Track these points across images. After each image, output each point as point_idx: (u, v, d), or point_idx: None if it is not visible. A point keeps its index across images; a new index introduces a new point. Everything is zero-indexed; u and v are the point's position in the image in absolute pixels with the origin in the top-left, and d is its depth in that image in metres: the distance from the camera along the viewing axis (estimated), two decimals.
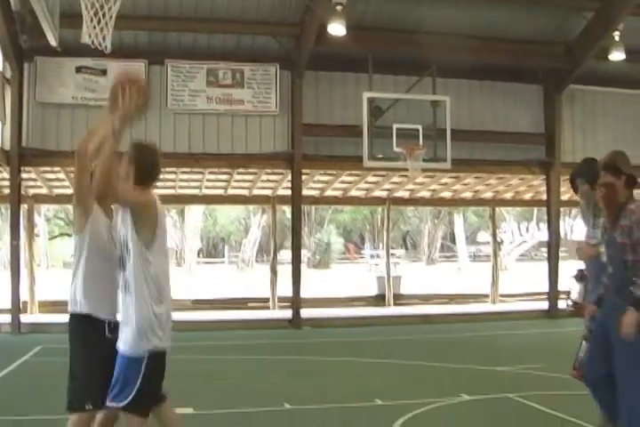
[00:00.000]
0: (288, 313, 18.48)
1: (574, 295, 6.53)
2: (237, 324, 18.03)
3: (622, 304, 5.50)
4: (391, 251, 27.39)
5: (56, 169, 18.19)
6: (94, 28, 10.56)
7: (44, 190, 20.24)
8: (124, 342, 5.03)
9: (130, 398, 4.91)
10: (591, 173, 6.63)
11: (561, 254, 21.50)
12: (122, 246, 5.20)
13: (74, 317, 5.37)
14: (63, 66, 17.08)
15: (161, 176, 5.47)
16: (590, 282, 6.58)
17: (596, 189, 6.22)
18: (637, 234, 5.49)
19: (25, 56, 16.96)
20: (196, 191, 21.77)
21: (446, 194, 23.51)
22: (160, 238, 5.19)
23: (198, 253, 59.98)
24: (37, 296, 19.94)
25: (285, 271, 19.87)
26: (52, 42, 14.29)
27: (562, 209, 22.71)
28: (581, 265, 6.82)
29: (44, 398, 8.68)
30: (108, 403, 4.98)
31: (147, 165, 5.29)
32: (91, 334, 5.31)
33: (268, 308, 21.00)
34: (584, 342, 6.07)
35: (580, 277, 6.58)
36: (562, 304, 6.26)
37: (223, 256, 68.26)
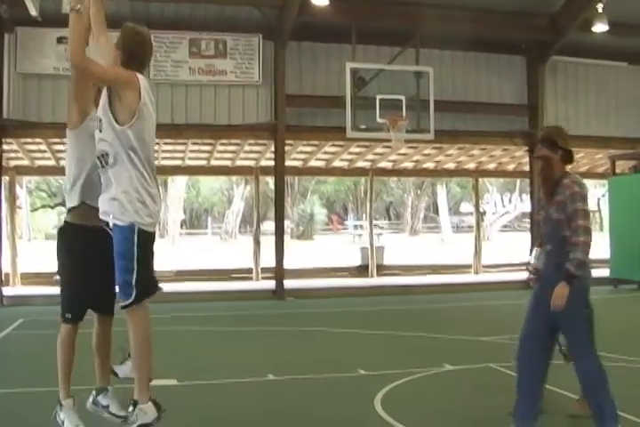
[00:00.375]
0: (271, 284, 18.53)
1: (533, 261, 6.52)
2: (221, 295, 18.07)
3: (561, 279, 5.55)
4: (374, 222, 27.46)
5: (37, 140, 18.10)
6: None
7: (25, 162, 20.14)
8: (113, 216, 5.04)
9: (134, 291, 4.95)
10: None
11: None
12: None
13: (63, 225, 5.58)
14: (44, 36, 16.91)
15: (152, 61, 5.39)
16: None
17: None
18: (571, 208, 5.49)
19: (5, 26, 16.80)
20: (178, 162, 21.71)
21: (429, 165, 23.54)
22: (142, 118, 5.25)
23: (181, 225, 59.89)
24: (20, 268, 19.91)
25: (269, 242, 19.89)
26: (33, 12, 14.19)
27: None
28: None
29: (27, 370, 8.70)
30: (120, 304, 5.04)
31: (130, 47, 5.42)
32: (76, 241, 5.50)
33: (251, 279, 21.06)
34: None
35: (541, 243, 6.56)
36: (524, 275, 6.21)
37: (206, 227, 68.19)
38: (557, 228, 5.65)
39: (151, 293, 5.13)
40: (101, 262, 5.31)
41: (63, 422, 5.42)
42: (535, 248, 6.48)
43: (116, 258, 5.04)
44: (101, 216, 5.16)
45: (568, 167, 5.80)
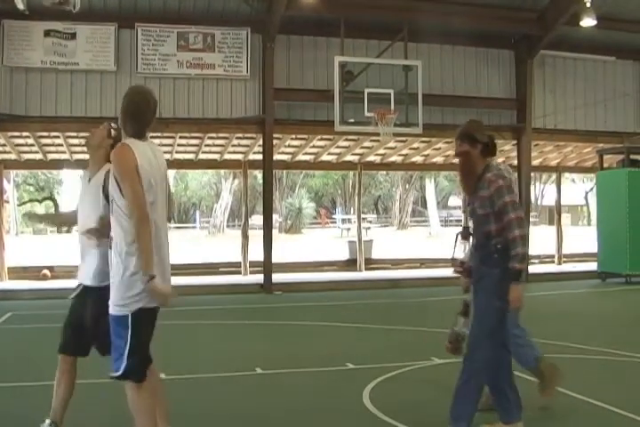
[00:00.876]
0: (259, 278, 18.52)
1: (459, 255, 6.52)
2: (209, 289, 18.05)
3: (488, 272, 5.57)
4: (362, 216, 27.50)
5: (25, 134, 18.05)
6: None
7: (12, 156, 20.07)
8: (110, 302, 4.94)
9: (123, 365, 4.86)
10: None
11: (532, 219, 21.65)
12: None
13: None
14: (31, 29, 16.84)
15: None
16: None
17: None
18: (499, 203, 5.44)
19: None
20: (166, 156, 21.46)
21: (418, 159, 23.57)
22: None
23: (169, 219, 59.75)
24: (7, 263, 19.85)
25: (257, 236, 19.87)
26: (20, 5, 14.14)
27: (532, 174, 22.79)
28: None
29: (15, 365, 8.68)
30: (110, 374, 4.96)
31: (132, 110, 5.11)
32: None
33: (239, 273, 21.04)
34: (459, 317, 6.10)
35: (465, 235, 6.56)
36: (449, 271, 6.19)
37: (194, 221, 68.16)
38: (482, 222, 5.63)
39: None
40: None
41: None
42: (463, 242, 6.44)
43: None
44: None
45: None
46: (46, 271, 20.17)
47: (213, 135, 19.20)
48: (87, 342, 5.61)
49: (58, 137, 18.45)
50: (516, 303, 5.44)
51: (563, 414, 6.55)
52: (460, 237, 6.42)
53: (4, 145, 19.03)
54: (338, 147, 21.22)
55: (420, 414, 6.48)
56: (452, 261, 6.53)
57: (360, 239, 23.00)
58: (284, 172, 48.59)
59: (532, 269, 20.96)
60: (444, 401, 7.00)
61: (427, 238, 48.62)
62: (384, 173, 50.83)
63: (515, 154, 21.29)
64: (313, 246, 34.94)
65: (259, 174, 28.64)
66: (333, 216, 68.57)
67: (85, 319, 5.52)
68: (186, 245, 37.69)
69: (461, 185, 6.11)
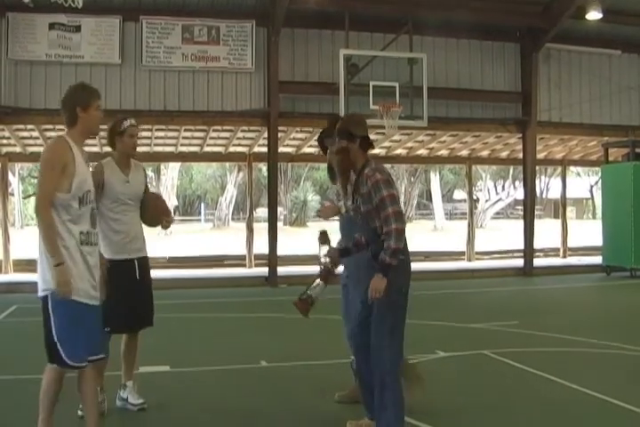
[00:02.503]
0: (264, 271, 18.54)
1: (323, 258, 6.57)
2: (214, 282, 18.08)
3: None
4: None
5: (30, 127, 18.05)
6: None
7: (17, 149, 20.08)
8: None
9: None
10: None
11: (537, 213, 21.64)
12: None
13: None
14: (36, 22, 16.82)
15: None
16: (341, 240, 6.77)
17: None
18: (378, 197, 5.37)
19: None
20: (171, 149, 21.68)
21: (422, 152, 23.55)
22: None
23: (174, 212, 59.86)
24: (12, 255, 19.89)
25: (262, 229, 19.88)
26: None
27: (538, 167, 22.78)
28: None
29: (20, 358, 8.70)
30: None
31: (66, 103, 5.55)
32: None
33: (244, 266, 21.06)
34: (318, 280, 6.14)
35: (324, 239, 6.60)
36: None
37: (199, 214, 68.19)
38: (368, 219, 5.57)
39: None
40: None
41: (127, 399, 6.53)
42: (324, 245, 6.49)
43: None
44: None
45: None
46: None
47: (218, 128, 19.18)
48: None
49: (62, 130, 18.40)
50: (374, 294, 5.36)
51: (576, 410, 6.55)
52: (319, 241, 6.50)
53: (8, 138, 19.04)
54: None
55: (424, 407, 6.48)
56: (318, 264, 6.61)
57: None
58: (289, 164, 48.45)
59: (537, 262, 21.00)
60: (449, 394, 7.02)
61: (431, 232, 48.63)
62: (389, 165, 50.68)
63: (520, 147, 21.28)
64: (316, 240, 34.87)
65: (263, 167, 28.63)
66: None
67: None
68: (191, 238, 37.78)
69: (340, 182, 6.07)
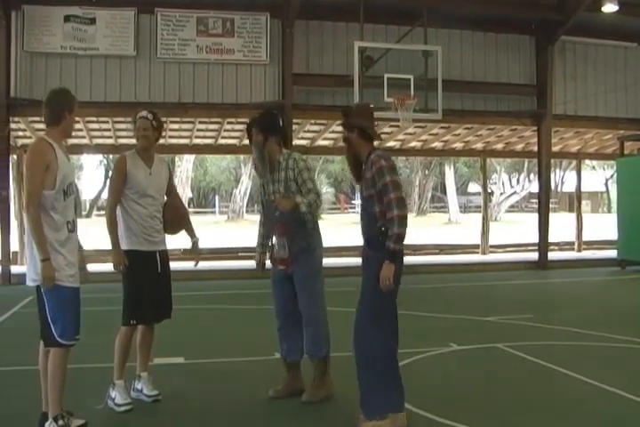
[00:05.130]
0: None
1: (279, 252, 6.64)
2: (228, 273, 18.15)
3: (373, 255, 5.59)
4: None
5: None
6: None
7: (33, 141, 20.12)
8: None
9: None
10: (265, 124, 6.72)
11: (551, 206, 21.58)
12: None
13: None
14: (51, 14, 16.88)
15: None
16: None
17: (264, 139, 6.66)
18: (381, 182, 5.45)
19: (12, 4, 16.75)
20: (186, 141, 21.73)
21: (437, 144, 23.54)
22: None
23: (189, 204, 59.98)
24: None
25: None
26: None
27: (553, 161, 22.71)
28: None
29: (33, 348, 8.72)
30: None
31: (53, 104, 5.93)
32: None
33: None
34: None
35: (282, 231, 6.66)
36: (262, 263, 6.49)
37: (214, 206, 68.31)
38: (368, 204, 5.65)
39: None
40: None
41: (114, 398, 6.34)
42: (279, 238, 6.65)
43: None
44: None
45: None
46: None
47: (232, 120, 19.19)
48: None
49: (77, 122, 18.43)
50: (385, 282, 5.42)
51: (591, 404, 6.53)
52: (276, 233, 6.61)
53: (24, 130, 19.11)
54: None
55: (439, 400, 6.49)
56: (272, 260, 6.78)
57: None
58: (304, 157, 48.47)
59: (552, 255, 20.96)
60: (461, 387, 7.03)
61: (446, 225, 48.59)
62: (403, 158, 50.64)
63: (535, 140, 21.23)
64: (332, 232, 34.89)
65: None
66: (352, 202, 68.60)
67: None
68: (205, 230, 37.82)
69: (350, 170, 6.15)
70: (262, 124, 6.70)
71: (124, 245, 6.47)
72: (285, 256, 6.59)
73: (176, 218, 6.82)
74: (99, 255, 15.64)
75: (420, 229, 36.87)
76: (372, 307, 5.62)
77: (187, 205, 55.79)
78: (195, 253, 7.15)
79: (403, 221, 5.38)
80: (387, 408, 5.57)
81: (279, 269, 6.69)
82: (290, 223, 6.52)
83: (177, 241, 7.07)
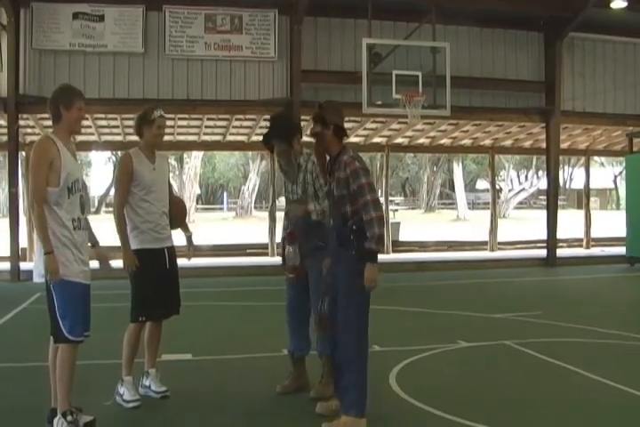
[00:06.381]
0: None
1: (291, 260, 6.64)
2: (236, 270, 18.13)
3: (346, 254, 5.58)
4: (390, 198, 27.47)
5: None
6: None
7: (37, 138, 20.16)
8: None
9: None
10: (285, 131, 6.61)
11: (560, 203, 21.54)
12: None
13: None
14: (59, 12, 16.91)
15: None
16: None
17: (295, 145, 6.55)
18: (356, 184, 5.48)
19: (20, 2, 16.79)
20: (194, 138, 21.75)
21: (445, 141, 23.49)
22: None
23: (197, 200, 60.02)
24: (35, 244, 19.99)
25: None
26: None
27: (561, 157, 22.67)
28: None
29: (43, 345, 8.74)
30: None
31: (51, 102, 5.93)
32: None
33: (266, 254, 21.09)
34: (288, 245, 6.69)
35: (292, 239, 6.66)
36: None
37: (222, 203, 68.36)
38: (339, 204, 5.66)
39: None
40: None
41: (123, 394, 6.34)
42: (291, 246, 6.65)
43: None
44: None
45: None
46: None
47: (241, 117, 19.20)
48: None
49: (86, 119, 18.45)
50: (370, 283, 5.44)
51: (601, 403, 6.52)
52: (286, 241, 6.62)
53: (33, 127, 19.14)
54: (365, 129, 21.19)
55: (446, 397, 6.48)
56: (284, 268, 6.83)
57: (387, 221, 22.97)
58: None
59: (560, 252, 20.93)
60: (470, 384, 7.02)
61: (454, 221, 48.53)
62: (411, 155, 50.67)
63: (543, 137, 21.18)
64: None
65: None
66: None
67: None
68: (213, 227, 37.87)
69: (318, 165, 6.23)
70: (279, 134, 6.62)
71: (133, 245, 6.48)
72: (297, 264, 6.60)
73: (179, 213, 6.85)
74: (107, 252, 15.66)
75: (429, 226, 36.88)
76: (355, 303, 5.60)
77: (195, 202, 55.79)
78: (191, 248, 7.09)
79: (381, 222, 5.44)
80: (362, 408, 5.56)
81: (289, 277, 6.75)
82: (300, 230, 6.55)
83: (184, 238, 7.04)
